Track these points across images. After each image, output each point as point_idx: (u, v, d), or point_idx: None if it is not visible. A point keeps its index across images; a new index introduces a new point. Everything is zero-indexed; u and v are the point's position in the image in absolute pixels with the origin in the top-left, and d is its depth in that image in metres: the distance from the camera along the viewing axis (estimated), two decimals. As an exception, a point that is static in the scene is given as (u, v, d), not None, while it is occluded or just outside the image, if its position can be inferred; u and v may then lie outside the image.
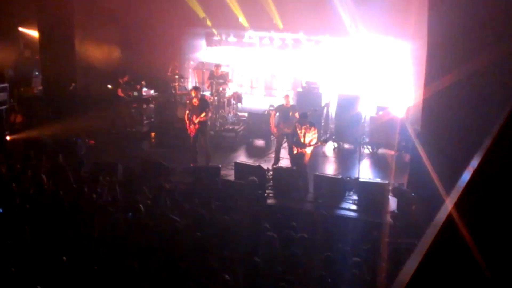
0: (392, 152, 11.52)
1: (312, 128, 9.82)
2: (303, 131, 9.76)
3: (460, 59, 8.01)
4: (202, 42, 17.14)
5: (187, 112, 10.89)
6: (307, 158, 9.87)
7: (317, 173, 9.80)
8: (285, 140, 11.09)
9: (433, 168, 7.76)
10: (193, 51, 17.37)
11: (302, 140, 9.76)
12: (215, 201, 8.19)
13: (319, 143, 10.12)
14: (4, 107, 12.47)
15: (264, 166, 10.34)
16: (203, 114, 10.62)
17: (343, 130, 12.44)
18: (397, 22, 13.65)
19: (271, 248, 6.58)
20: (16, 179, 8.54)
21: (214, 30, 16.71)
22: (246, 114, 14.18)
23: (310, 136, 9.75)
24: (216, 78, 13.98)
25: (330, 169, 11.32)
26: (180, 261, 6.10)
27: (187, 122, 10.80)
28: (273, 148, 11.56)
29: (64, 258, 5.91)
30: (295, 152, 9.85)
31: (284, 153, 11.18)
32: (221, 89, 13.90)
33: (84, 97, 14.08)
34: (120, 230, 7.08)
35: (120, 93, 13.95)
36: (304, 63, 15.55)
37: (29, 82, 15.08)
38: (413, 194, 8.95)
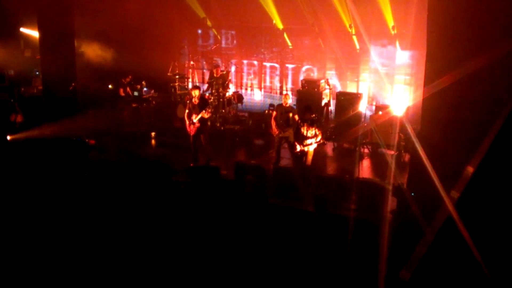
0: (392, 152, 11.53)
1: (315, 125, 9.82)
2: (305, 129, 9.76)
3: (460, 58, 8.01)
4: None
5: (187, 111, 10.94)
6: (310, 157, 9.87)
7: (317, 173, 9.81)
8: (285, 140, 11.10)
9: (433, 168, 7.77)
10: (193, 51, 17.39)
11: (304, 134, 9.72)
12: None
13: (321, 141, 10.12)
14: (4, 106, 12.49)
15: (264, 166, 10.35)
16: (203, 113, 10.64)
17: (343, 129, 12.46)
18: (397, 21, 13.68)
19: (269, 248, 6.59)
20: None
21: (214, 31, 16.74)
22: (246, 114, 14.20)
23: (313, 134, 9.74)
24: (216, 78, 14.03)
25: (330, 168, 11.33)
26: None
27: (187, 121, 10.85)
28: (273, 148, 11.57)
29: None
30: (298, 150, 9.85)
31: (284, 152, 11.18)
32: (221, 89, 13.95)
33: (84, 97, 14.10)
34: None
35: (121, 92, 14.06)
36: (304, 62, 15.54)
37: (30, 82, 15.10)
38: (412, 194, 8.96)
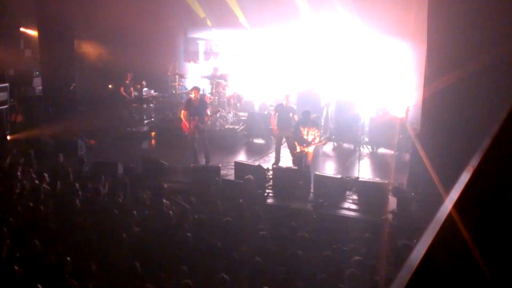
0: (392, 152, 11.53)
1: (315, 127, 9.83)
2: (305, 129, 9.77)
3: (460, 59, 8.04)
4: (202, 42, 17.13)
5: (184, 111, 10.92)
6: (310, 157, 9.88)
7: (317, 172, 9.82)
8: (284, 140, 11.10)
9: (433, 168, 7.78)
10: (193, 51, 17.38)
11: (305, 137, 9.75)
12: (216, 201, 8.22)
13: (322, 142, 10.10)
14: (4, 106, 12.49)
15: (264, 166, 10.36)
16: (207, 117, 10.68)
17: (343, 129, 12.46)
18: (397, 21, 13.66)
19: (269, 248, 6.59)
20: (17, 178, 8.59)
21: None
22: (246, 114, 14.19)
23: (313, 135, 9.76)
24: (216, 78, 14.04)
25: (330, 168, 11.33)
26: (183, 262, 6.13)
27: (185, 121, 10.84)
28: (273, 148, 11.58)
29: (68, 258, 5.90)
30: (298, 150, 9.86)
31: (284, 152, 11.19)
32: (221, 89, 13.96)
33: (84, 97, 14.10)
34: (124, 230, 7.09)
35: (122, 91, 14.07)
36: (304, 63, 15.53)
37: (30, 81, 15.10)
38: (412, 194, 8.98)
